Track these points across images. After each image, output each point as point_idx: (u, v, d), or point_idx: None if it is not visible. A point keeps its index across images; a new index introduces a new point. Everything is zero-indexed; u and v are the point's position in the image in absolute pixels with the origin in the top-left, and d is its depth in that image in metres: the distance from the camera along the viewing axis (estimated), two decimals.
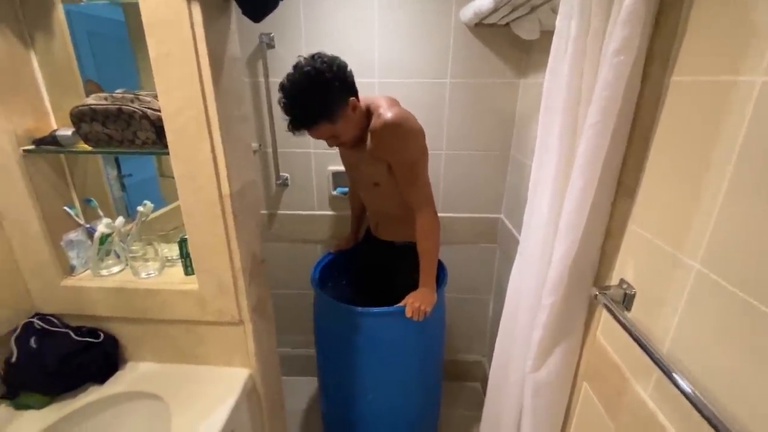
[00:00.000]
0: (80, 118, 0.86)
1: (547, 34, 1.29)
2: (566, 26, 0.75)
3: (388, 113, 1.12)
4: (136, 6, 0.75)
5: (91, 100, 0.87)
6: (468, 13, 1.36)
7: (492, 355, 1.17)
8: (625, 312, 0.79)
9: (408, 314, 1.24)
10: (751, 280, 0.53)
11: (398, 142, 1.15)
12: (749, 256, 0.53)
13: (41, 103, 0.96)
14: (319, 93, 1.04)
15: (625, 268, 0.80)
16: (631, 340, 0.70)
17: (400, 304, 1.27)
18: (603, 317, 0.88)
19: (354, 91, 1.13)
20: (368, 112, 1.19)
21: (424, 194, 1.24)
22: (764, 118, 0.51)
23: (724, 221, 0.57)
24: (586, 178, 0.74)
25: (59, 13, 1.00)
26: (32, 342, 0.95)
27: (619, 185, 0.81)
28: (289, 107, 1.06)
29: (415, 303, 1.25)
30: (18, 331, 0.97)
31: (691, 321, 0.64)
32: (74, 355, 0.96)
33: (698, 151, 0.62)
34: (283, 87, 1.06)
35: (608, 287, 0.82)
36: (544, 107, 0.85)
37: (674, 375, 0.61)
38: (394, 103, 1.23)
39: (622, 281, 0.80)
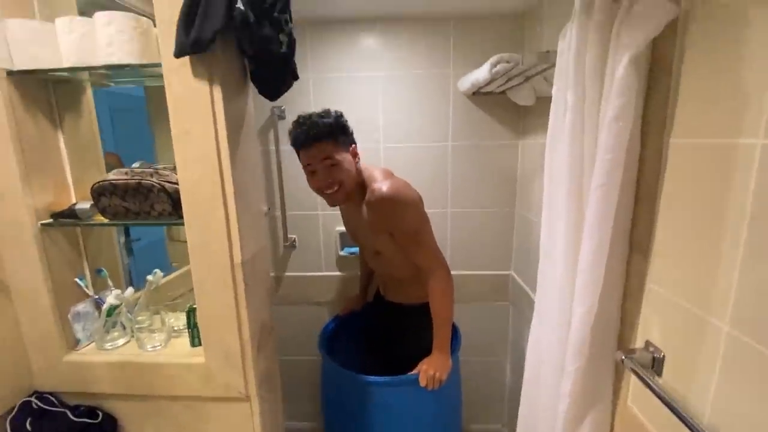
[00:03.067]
0: (100, 192, 0.89)
1: (542, 100, 1.37)
2: (563, 97, 0.79)
3: (383, 187, 1.14)
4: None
5: (113, 175, 0.90)
6: (466, 83, 1.46)
7: (512, 424, 1.09)
8: (656, 377, 0.74)
9: (422, 383, 1.18)
10: None
11: (397, 215, 1.17)
12: None
13: (63, 178, 1.00)
14: (334, 118, 1.16)
15: (649, 329, 0.77)
16: (666, 409, 0.66)
17: (413, 372, 1.21)
18: (632, 383, 0.83)
19: (355, 145, 1.23)
20: (362, 181, 1.22)
21: (432, 257, 1.24)
22: None
23: (749, 279, 0.56)
24: (598, 238, 0.74)
25: (88, 95, 1.09)
26: (28, 425, 0.90)
27: (632, 244, 0.80)
28: (305, 119, 1.16)
29: (429, 370, 1.19)
30: (15, 411, 0.92)
31: (729, 388, 0.60)
32: None
33: (708, 208, 0.62)
34: (301, 115, 1.18)
35: (634, 350, 0.78)
36: (548, 171, 0.88)
37: None
38: (387, 174, 1.26)
39: (648, 343, 0.77)
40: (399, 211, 1.17)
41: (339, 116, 1.18)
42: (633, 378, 0.81)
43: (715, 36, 0.61)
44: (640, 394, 0.80)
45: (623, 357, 0.76)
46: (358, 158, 1.22)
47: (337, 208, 1.44)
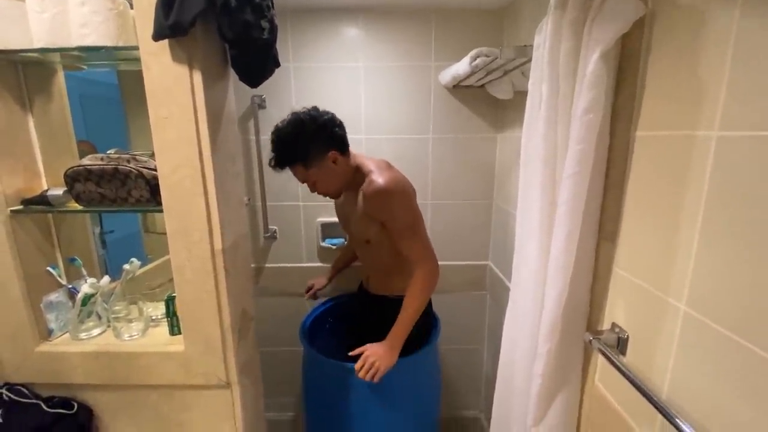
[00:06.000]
0: (74, 178, 0.87)
1: (520, 94, 1.41)
2: (538, 89, 0.82)
3: (379, 179, 1.16)
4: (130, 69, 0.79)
5: (87, 160, 0.88)
6: (446, 76, 1.48)
7: (490, 411, 1.13)
8: (621, 357, 0.79)
9: (357, 367, 1.13)
10: (736, 319, 0.55)
11: (391, 207, 1.19)
12: (731, 295, 0.56)
13: (34, 163, 0.97)
14: (298, 138, 1.13)
15: (615, 312, 0.82)
16: (630, 386, 0.70)
17: (357, 351, 1.17)
18: (599, 363, 0.88)
19: (338, 145, 1.18)
20: (359, 171, 1.24)
21: (422, 250, 1.23)
22: (724, 169, 0.57)
23: (703, 263, 0.61)
24: (570, 224, 0.78)
25: (60, 78, 1.05)
26: None
27: (601, 230, 0.85)
28: (272, 145, 1.17)
29: (371, 357, 1.13)
30: None
31: (686, 363, 0.65)
32: (44, 429, 0.89)
33: (669, 197, 0.66)
34: (275, 127, 1.17)
35: (601, 332, 0.83)
36: (523, 160, 0.91)
37: (677, 420, 0.61)
38: (385, 166, 1.27)
39: (614, 325, 0.81)
40: (394, 204, 1.18)
41: (302, 131, 1.12)
42: (600, 358, 0.85)
43: (677, 34, 0.65)
44: (606, 373, 0.85)
45: (591, 338, 0.80)
46: (343, 159, 1.19)
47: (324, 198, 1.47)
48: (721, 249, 0.57)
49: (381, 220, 1.22)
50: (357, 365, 1.14)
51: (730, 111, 0.56)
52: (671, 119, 0.66)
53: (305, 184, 1.23)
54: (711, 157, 0.58)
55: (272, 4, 0.83)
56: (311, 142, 1.14)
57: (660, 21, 0.68)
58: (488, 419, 1.13)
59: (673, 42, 0.66)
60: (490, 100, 1.59)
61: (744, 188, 0.54)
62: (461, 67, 1.28)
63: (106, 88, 1.43)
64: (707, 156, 0.59)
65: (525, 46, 1.01)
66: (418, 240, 1.23)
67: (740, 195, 0.54)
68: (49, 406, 0.93)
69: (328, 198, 1.32)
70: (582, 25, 0.72)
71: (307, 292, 1.63)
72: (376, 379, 1.12)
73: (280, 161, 1.17)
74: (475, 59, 1.16)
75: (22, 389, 0.95)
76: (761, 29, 0.52)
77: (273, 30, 0.84)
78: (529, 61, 0.92)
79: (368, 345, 1.19)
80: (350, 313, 1.60)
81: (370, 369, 1.12)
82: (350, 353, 1.19)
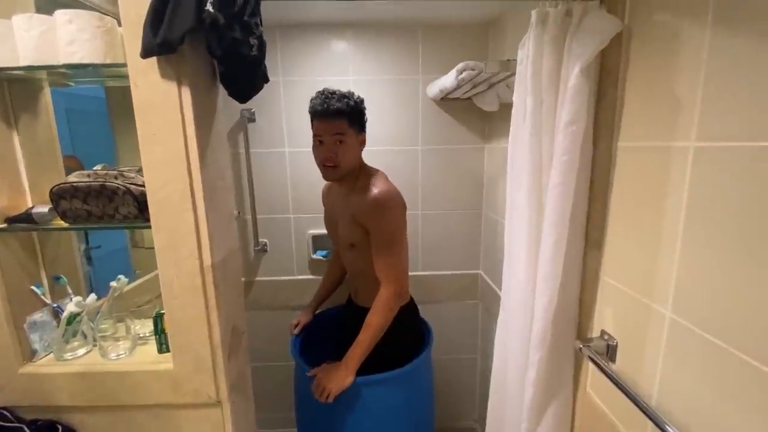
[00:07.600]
0: (60, 195, 0.85)
1: (505, 106, 1.44)
2: (522, 102, 0.85)
3: (374, 189, 1.21)
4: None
5: (74, 177, 0.87)
6: (434, 89, 1.50)
7: (485, 421, 1.13)
8: (610, 364, 0.80)
9: (313, 387, 1.19)
10: (719, 325, 0.57)
11: (379, 218, 1.21)
12: (714, 301, 0.58)
13: (18, 181, 0.95)
14: (356, 102, 1.23)
15: (604, 319, 0.83)
16: (620, 393, 0.71)
17: (314, 372, 1.22)
18: (590, 371, 0.88)
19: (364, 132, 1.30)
20: (362, 174, 1.28)
21: (394, 270, 1.23)
22: (703, 178, 0.59)
23: (686, 269, 0.62)
24: (556, 234, 0.79)
25: (46, 95, 1.04)
26: None
27: (587, 238, 0.86)
28: (330, 93, 1.21)
29: (323, 380, 1.18)
30: None
31: (673, 369, 0.66)
32: None
33: (651, 205, 0.68)
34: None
35: (591, 339, 0.84)
36: (510, 171, 0.93)
37: (666, 427, 0.61)
38: (383, 178, 1.30)
39: (603, 332, 0.82)
40: (383, 216, 1.20)
41: (360, 102, 1.25)
42: (591, 365, 0.86)
43: (653, 49, 0.68)
44: (597, 381, 0.86)
45: (581, 346, 0.81)
46: (363, 147, 1.29)
47: (320, 201, 1.49)
48: (702, 256, 0.59)
49: (366, 228, 1.23)
50: (312, 385, 1.19)
51: (705, 123, 0.58)
52: (650, 130, 0.69)
53: (325, 143, 1.22)
54: (689, 167, 0.61)
55: (261, 21, 0.84)
56: (363, 115, 1.26)
57: (636, 37, 0.71)
58: (483, 429, 1.13)
59: (649, 56, 0.69)
60: (477, 112, 1.62)
61: (721, 197, 0.56)
62: (448, 80, 1.31)
63: (93, 102, 1.42)
64: (685, 166, 0.61)
65: (509, 60, 1.04)
66: (391, 260, 1.23)
67: (718, 203, 0.56)
68: (32, 430, 0.90)
69: (318, 211, 1.31)
70: (563, 41, 0.75)
71: (295, 327, 1.56)
72: (329, 400, 1.17)
73: (336, 106, 1.19)
74: (462, 73, 1.19)
75: (5, 413, 0.92)
76: (732, 45, 0.54)
77: (262, 47, 0.85)
78: (514, 74, 0.95)
79: (324, 366, 1.23)
80: (340, 326, 1.58)
81: (323, 392, 1.17)
82: (308, 374, 1.23)
